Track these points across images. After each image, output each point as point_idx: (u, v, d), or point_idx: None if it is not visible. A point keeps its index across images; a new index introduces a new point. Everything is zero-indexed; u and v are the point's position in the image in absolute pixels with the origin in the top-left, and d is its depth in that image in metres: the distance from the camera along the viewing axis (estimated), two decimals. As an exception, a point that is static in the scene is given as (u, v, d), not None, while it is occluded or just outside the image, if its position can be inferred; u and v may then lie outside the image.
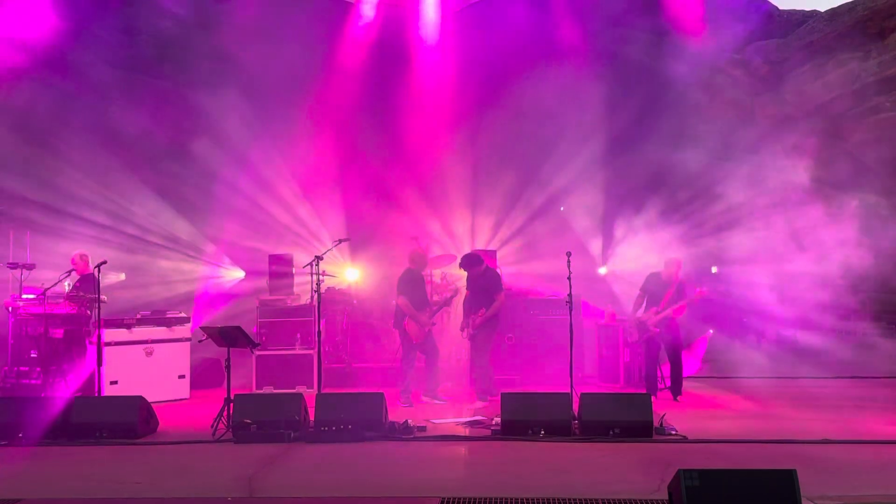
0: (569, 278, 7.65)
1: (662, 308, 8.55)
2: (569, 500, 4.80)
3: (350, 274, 11.86)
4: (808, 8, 16.00)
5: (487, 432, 6.85)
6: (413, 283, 8.84)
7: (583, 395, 6.94)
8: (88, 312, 8.88)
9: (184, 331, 9.24)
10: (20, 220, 10.85)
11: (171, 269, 12.29)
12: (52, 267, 9.51)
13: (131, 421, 6.85)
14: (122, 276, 10.65)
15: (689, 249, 11.32)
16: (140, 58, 13.14)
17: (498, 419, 6.85)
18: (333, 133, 13.18)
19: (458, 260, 9.15)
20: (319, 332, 8.43)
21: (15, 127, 11.55)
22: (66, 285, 9.07)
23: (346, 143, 13.43)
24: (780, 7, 16.15)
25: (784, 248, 12.57)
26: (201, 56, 12.69)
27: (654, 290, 8.74)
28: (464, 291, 9.06)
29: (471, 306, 8.73)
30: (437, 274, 10.62)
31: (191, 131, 12.69)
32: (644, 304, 8.84)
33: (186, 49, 12.78)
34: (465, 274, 8.81)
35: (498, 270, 9.61)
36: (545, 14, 13.55)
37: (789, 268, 12.07)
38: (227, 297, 12.13)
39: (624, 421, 6.57)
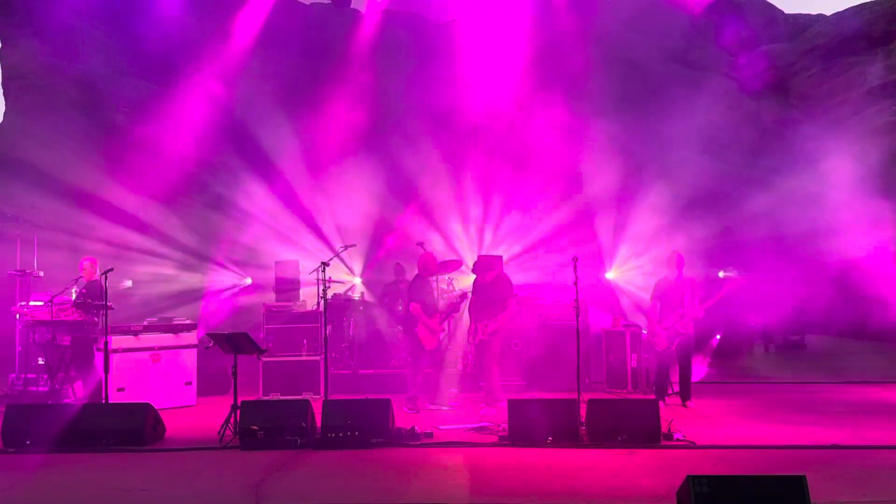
0: (575, 284, 7.63)
1: (690, 308, 8.34)
2: (577, 506, 4.78)
3: (356, 279, 11.87)
4: (813, 12, 16.01)
5: (494, 438, 6.83)
6: (424, 289, 8.82)
7: (590, 401, 6.92)
8: (95, 319, 8.90)
9: (190, 337, 9.24)
10: (28, 226, 10.90)
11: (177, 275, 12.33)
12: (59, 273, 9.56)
13: (138, 428, 6.85)
14: (129, 283, 10.67)
15: (697, 253, 11.27)
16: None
17: (505, 425, 6.83)
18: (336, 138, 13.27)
19: (471, 264, 9.10)
20: (326, 339, 8.44)
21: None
22: (73, 292, 9.09)
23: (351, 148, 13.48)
24: (786, 11, 16.15)
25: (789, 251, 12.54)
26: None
27: (668, 294, 8.55)
28: (470, 296, 9.03)
29: (479, 312, 8.68)
30: (442, 279, 10.60)
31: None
32: (659, 311, 8.63)
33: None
34: (472, 278, 8.77)
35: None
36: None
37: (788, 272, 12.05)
38: (233, 303, 12.14)
39: (631, 427, 6.54)
